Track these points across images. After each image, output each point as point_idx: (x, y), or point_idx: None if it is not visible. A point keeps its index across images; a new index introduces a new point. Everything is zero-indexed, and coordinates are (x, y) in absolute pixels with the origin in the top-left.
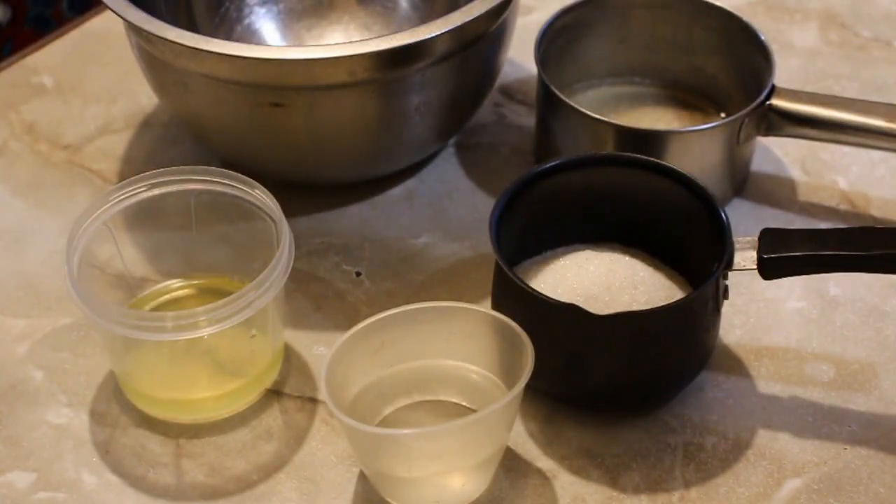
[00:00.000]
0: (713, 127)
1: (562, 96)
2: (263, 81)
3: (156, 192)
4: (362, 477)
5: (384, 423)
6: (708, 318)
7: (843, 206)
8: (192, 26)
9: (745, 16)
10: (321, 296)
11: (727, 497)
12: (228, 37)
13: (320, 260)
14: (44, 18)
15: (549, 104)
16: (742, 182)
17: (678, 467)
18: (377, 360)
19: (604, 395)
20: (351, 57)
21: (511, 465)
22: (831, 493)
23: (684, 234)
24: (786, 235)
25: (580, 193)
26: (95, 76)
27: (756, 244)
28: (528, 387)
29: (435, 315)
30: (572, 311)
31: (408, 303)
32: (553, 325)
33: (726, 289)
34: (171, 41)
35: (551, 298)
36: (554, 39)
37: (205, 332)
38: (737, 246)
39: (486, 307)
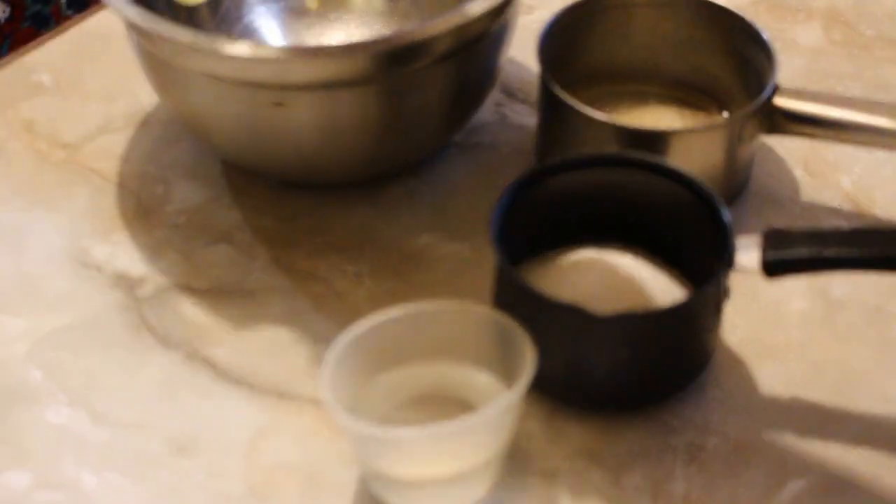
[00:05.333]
0: (715, 126)
1: (563, 96)
2: (264, 80)
3: None
4: (363, 477)
5: (385, 423)
6: (710, 318)
7: (846, 206)
8: (193, 25)
9: (748, 15)
10: (321, 295)
11: (729, 498)
12: (229, 35)
13: (321, 260)
14: (43, 16)
15: (550, 103)
16: (744, 181)
17: (680, 468)
18: (378, 359)
19: (605, 395)
20: (352, 56)
21: (512, 465)
22: (834, 495)
23: (686, 233)
24: (788, 235)
25: (582, 193)
26: (95, 74)
27: (758, 244)
28: (529, 386)
29: (436, 315)
30: (574, 311)
31: (408, 302)
32: (555, 325)
33: (728, 289)
34: (171, 40)
35: (553, 298)
36: (556, 38)
37: None
38: (739, 246)
39: (487, 307)
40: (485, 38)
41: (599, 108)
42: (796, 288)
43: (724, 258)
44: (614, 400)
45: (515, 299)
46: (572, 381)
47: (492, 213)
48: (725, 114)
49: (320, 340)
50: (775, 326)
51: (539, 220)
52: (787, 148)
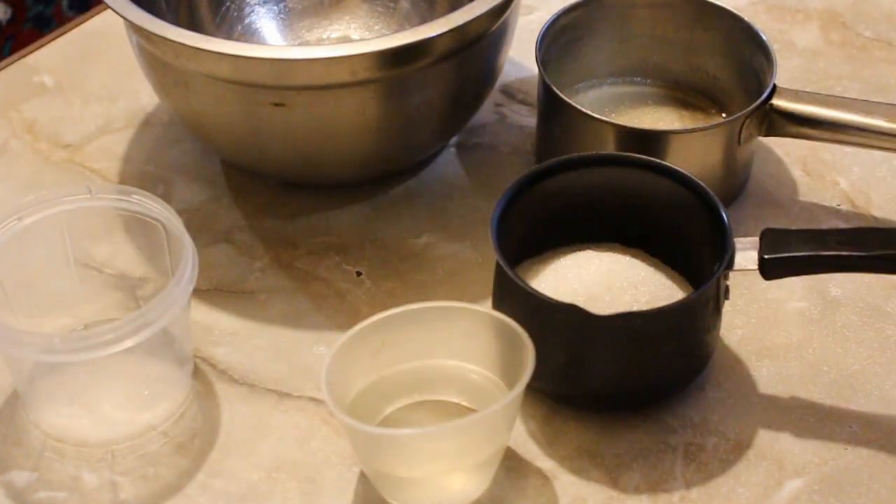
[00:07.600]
0: (714, 127)
1: (563, 96)
2: (264, 81)
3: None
4: (363, 477)
5: (385, 423)
6: (709, 318)
7: (844, 207)
8: (194, 25)
9: (747, 16)
10: (322, 295)
11: (728, 497)
12: (229, 36)
13: (321, 260)
14: (44, 17)
15: (550, 104)
16: (743, 182)
17: (679, 467)
18: (378, 359)
19: (604, 396)
20: (352, 56)
21: (511, 465)
22: (832, 494)
23: (685, 234)
24: (787, 236)
25: (581, 193)
26: (96, 75)
27: (757, 244)
28: (528, 387)
29: (435, 315)
30: (573, 311)
31: (408, 303)
32: (554, 325)
33: (727, 289)
34: (171, 41)
35: (552, 298)
36: (555, 39)
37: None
38: (738, 246)
39: (486, 307)
40: (485, 38)
41: (599, 108)
42: (795, 288)
43: (723, 258)
44: (613, 400)
45: (515, 299)
46: (571, 381)
47: (492, 213)
48: (724, 114)
49: (320, 340)
50: (774, 326)
51: (539, 220)
52: (785, 148)
